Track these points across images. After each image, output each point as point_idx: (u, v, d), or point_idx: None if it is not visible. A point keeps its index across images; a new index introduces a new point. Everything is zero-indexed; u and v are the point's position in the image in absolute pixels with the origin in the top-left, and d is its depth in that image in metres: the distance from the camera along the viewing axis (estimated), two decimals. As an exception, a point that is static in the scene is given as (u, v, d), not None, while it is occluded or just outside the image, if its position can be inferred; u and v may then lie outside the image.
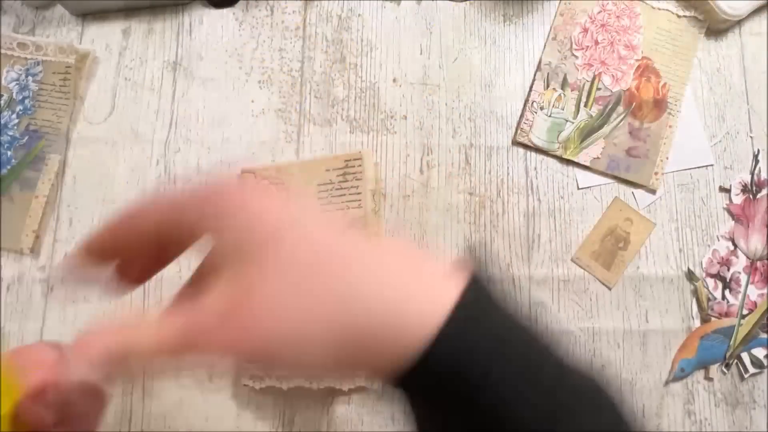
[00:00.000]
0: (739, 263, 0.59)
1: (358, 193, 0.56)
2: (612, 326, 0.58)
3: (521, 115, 0.62)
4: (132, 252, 0.28)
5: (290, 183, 0.58)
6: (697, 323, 0.58)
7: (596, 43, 0.63)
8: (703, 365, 0.57)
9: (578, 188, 0.61)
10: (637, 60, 0.63)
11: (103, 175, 0.59)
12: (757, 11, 0.64)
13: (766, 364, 0.57)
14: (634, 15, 0.64)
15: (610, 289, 0.59)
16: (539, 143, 0.61)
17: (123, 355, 0.25)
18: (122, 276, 0.30)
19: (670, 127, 0.61)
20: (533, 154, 0.61)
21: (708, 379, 0.57)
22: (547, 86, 0.62)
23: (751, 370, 0.57)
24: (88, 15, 0.63)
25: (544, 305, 0.58)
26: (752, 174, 0.61)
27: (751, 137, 0.62)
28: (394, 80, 0.62)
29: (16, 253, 0.57)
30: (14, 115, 0.59)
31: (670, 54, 0.63)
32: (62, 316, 0.56)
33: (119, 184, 0.59)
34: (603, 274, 0.59)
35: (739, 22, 0.65)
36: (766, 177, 0.61)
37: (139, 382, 0.55)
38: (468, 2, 0.65)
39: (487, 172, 0.61)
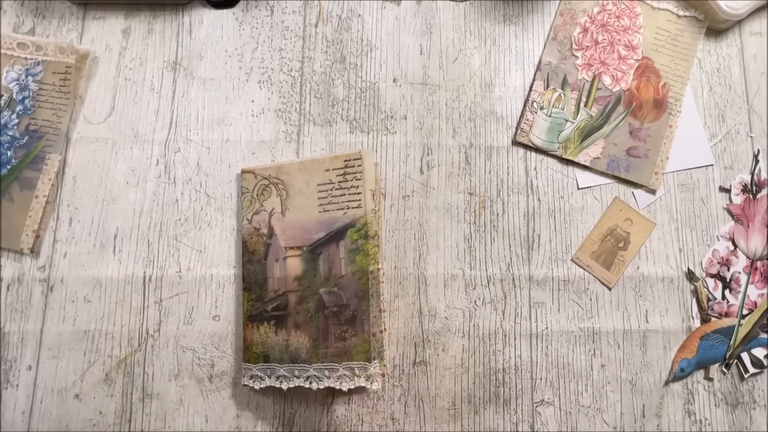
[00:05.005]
0: (739, 263, 0.59)
1: (358, 193, 0.56)
2: (612, 326, 0.58)
3: (521, 115, 0.62)
4: None
5: (290, 183, 0.58)
6: (697, 323, 0.58)
7: (596, 43, 0.63)
8: (703, 365, 0.57)
9: (578, 188, 0.61)
10: (637, 60, 0.63)
11: (103, 175, 0.59)
12: (757, 11, 0.64)
13: (766, 364, 0.57)
14: (634, 15, 0.64)
15: (610, 289, 0.59)
16: (539, 143, 0.61)
17: None
18: None
19: (670, 127, 0.61)
20: (533, 154, 0.61)
21: (708, 379, 0.57)
22: (547, 86, 0.62)
23: (751, 370, 0.57)
24: (89, 13, 0.63)
25: (544, 305, 0.58)
26: (752, 174, 0.61)
27: (751, 137, 0.63)
28: (394, 80, 0.62)
29: (16, 253, 0.57)
30: (14, 115, 0.59)
31: (670, 54, 0.63)
32: (62, 315, 0.56)
33: (119, 184, 0.59)
34: (603, 274, 0.59)
35: (739, 22, 0.65)
36: (766, 177, 0.61)
37: (139, 382, 0.55)
38: (468, 2, 0.65)
39: (487, 172, 0.61)
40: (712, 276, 0.59)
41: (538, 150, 0.61)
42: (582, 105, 0.62)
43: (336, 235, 0.56)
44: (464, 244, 0.59)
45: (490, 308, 0.58)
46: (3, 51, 0.60)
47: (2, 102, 0.60)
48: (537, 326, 0.58)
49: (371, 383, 0.52)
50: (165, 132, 0.60)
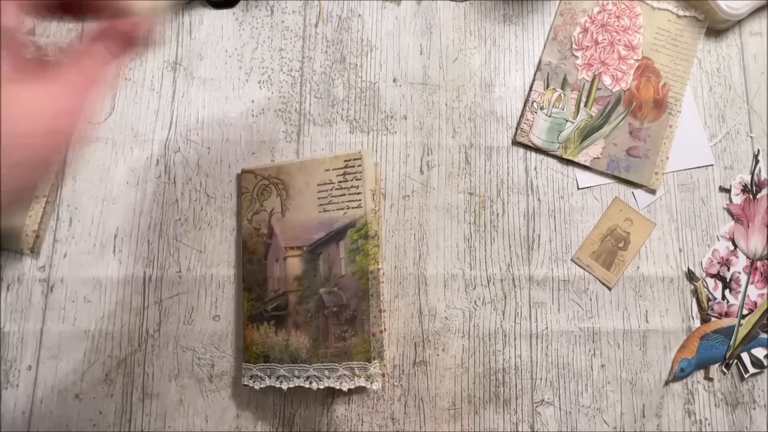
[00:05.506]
0: (739, 263, 0.59)
1: (358, 193, 0.56)
2: (612, 326, 0.58)
3: (521, 115, 0.62)
4: None
5: (290, 183, 0.58)
6: (697, 323, 0.58)
7: (596, 43, 0.63)
8: (703, 365, 0.57)
9: (578, 188, 0.61)
10: (637, 60, 0.63)
11: (103, 174, 0.59)
12: (757, 11, 0.64)
13: (766, 364, 0.57)
14: (634, 15, 0.64)
15: (610, 289, 0.59)
16: (539, 143, 0.61)
17: None
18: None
19: (670, 127, 0.61)
20: (533, 154, 0.61)
21: (708, 379, 0.57)
22: (547, 86, 0.62)
23: (751, 370, 0.57)
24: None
25: (544, 305, 0.58)
26: (752, 174, 0.61)
27: (751, 137, 0.62)
28: (394, 80, 0.62)
29: (16, 253, 0.57)
30: (14, 115, 0.59)
31: (670, 54, 0.63)
32: (62, 315, 0.56)
33: (119, 183, 0.59)
34: (603, 274, 0.59)
35: (739, 22, 0.65)
36: (766, 177, 0.61)
37: (139, 382, 0.55)
38: (468, 2, 0.65)
39: (487, 172, 0.61)
40: (712, 276, 0.59)
41: (538, 150, 0.61)
42: (582, 105, 0.62)
43: (336, 235, 0.56)
44: (464, 244, 0.59)
45: (490, 308, 0.58)
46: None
47: (2, 102, 0.60)
48: (537, 326, 0.58)
49: (371, 383, 0.52)
50: (165, 132, 0.60)
